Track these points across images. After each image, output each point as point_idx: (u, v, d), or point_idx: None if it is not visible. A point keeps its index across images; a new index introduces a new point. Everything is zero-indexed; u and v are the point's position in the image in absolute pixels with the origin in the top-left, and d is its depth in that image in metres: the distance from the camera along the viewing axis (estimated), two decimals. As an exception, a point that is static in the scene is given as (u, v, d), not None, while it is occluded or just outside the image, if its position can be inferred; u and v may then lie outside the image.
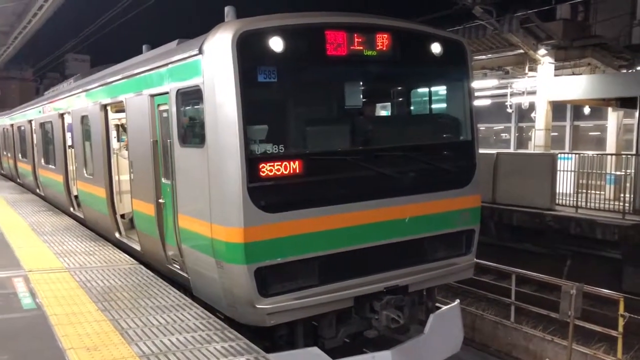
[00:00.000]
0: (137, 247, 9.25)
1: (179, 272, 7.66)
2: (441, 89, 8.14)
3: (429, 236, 7.41)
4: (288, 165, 6.27)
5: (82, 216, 12.51)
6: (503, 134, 27.47)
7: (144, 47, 10.16)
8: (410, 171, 7.30)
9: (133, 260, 9.00)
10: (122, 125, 12.09)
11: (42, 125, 15.88)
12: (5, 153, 24.32)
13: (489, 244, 15.51)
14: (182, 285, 7.76)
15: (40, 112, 16.22)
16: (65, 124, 13.39)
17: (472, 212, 7.83)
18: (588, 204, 15.31)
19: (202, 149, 6.49)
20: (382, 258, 7.01)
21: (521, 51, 19.22)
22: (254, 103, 6.19)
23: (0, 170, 26.37)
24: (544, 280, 11.37)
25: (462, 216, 7.68)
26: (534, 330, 10.90)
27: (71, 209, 13.49)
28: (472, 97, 7.88)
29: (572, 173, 16.23)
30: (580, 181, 16.14)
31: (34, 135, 17.33)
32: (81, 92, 11.67)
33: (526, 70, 19.80)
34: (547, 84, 18.90)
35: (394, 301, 6.94)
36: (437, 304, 8.17)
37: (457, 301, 8.16)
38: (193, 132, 6.92)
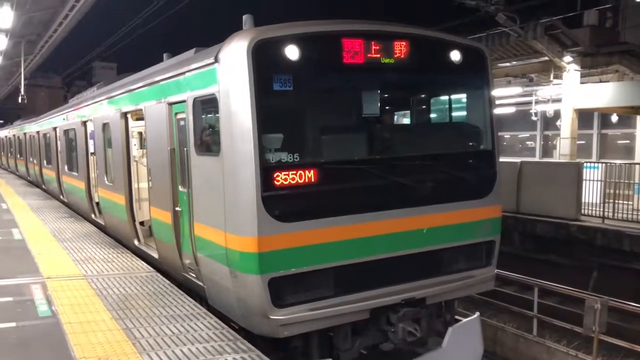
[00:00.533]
0: (155, 255, 9.26)
1: (195, 280, 7.63)
2: (460, 97, 8.00)
3: (447, 247, 7.24)
4: (303, 174, 6.18)
5: (102, 223, 12.61)
6: (528, 142, 27.05)
7: (164, 55, 10.21)
8: (428, 181, 7.16)
9: (150, 268, 9.01)
10: (143, 132, 12.19)
11: (65, 132, 16.10)
12: (31, 159, 24.74)
13: (512, 255, 15.22)
14: (198, 294, 7.72)
15: (64, 119, 16.46)
16: (88, 132, 13.55)
17: (493, 222, 7.65)
18: (615, 214, 14.90)
19: (217, 157, 6.46)
20: (400, 269, 6.87)
21: (546, 58, 18.89)
22: (269, 111, 6.13)
23: (27, 177, 26.82)
24: (568, 292, 11.07)
25: (482, 227, 7.50)
26: (557, 345, 10.60)
27: (92, 216, 13.62)
28: (492, 106, 7.71)
29: (599, 182, 15.84)
30: (608, 191, 15.74)
31: (58, 142, 17.59)
32: (103, 99, 11.79)
33: (551, 78, 19.44)
34: (573, 91, 18.53)
35: (411, 314, 6.79)
36: (457, 317, 7.97)
37: (477, 314, 7.95)
38: (209, 141, 6.90)
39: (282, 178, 6.09)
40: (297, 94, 6.41)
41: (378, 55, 6.70)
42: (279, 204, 6.10)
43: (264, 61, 6.04)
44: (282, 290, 6.18)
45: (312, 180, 6.23)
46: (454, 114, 7.95)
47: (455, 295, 7.56)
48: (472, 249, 7.53)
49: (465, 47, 7.43)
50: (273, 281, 6.10)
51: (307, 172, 6.20)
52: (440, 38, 7.37)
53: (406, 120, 7.85)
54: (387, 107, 7.48)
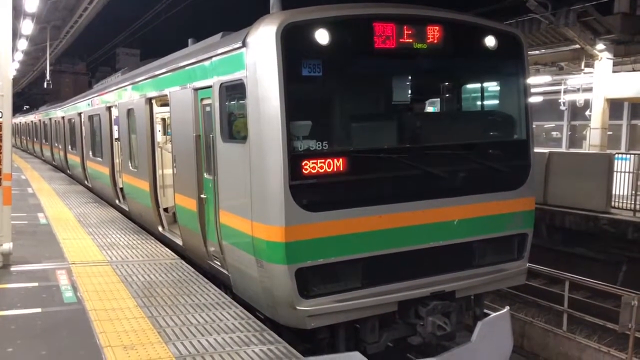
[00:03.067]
0: (179, 242, 9.20)
1: (220, 268, 7.55)
2: (495, 85, 7.74)
3: (478, 240, 7.04)
4: (332, 163, 6.02)
5: (126, 209, 12.62)
6: (553, 132, 26.50)
7: (189, 40, 10.10)
8: (460, 171, 6.96)
9: (174, 255, 8.96)
10: (167, 119, 12.13)
11: (90, 117, 16.14)
12: (56, 145, 24.97)
13: (539, 247, 14.89)
14: (222, 282, 7.64)
15: (89, 104, 16.49)
16: (112, 117, 13.54)
17: (526, 215, 7.41)
18: (647, 207, 14.46)
19: (244, 144, 6.32)
20: (429, 261, 6.70)
21: (577, 46, 18.35)
22: (298, 98, 5.97)
23: (52, 162, 27.11)
24: (600, 287, 10.77)
25: (514, 219, 7.28)
26: (588, 341, 10.32)
27: (116, 201, 13.65)
28: (528, 94, 7.44)
29: (630, 174, 15.39)
30: (638, 183, 15.28)
31: (83, 128, 17.66)
32: (127, 85, 11.74)
33: (582, 66, 18.90)
34: (605, 80, 17.99)
35: (441, 307, 6.61)
36: (486, 311, 7.77)
37: (507, 308, 7.74)
38: (235, 127, 6.76)
39: (310, 166, 5.93)
40: (326, 80, 6.24)
41: (410, 40, 6.48)
42: (306, 193, 5.95)
43: (293, 46, 5.87)
44: (309, 281, 6.06)
45: (341, 169, 6.07)
46: (488, 102, 7.69)
47: (486, 289, 7.35)
48: (504, 242, 7.32)
49: (501, 32, 7.16)
50: (300, 271, 5.97)
51: (335, 160, 6.04)
52: (475, 23, 7.11)
53: (438, 108, 7.59)
54: (418, 94, 7.24)
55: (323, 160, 5.98)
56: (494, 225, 7.12)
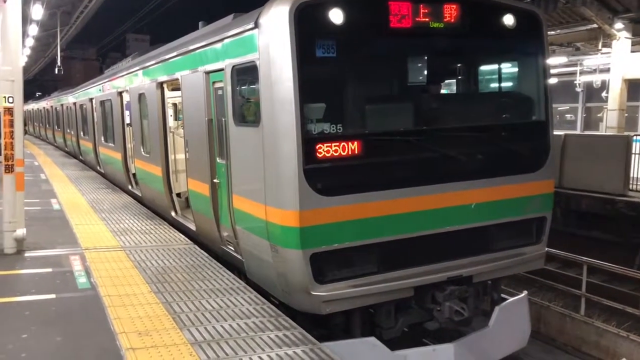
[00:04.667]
0: (192, 227, 9.16)
1: (233, 253, 7.49)
2: (514, 65, 7.55)
3: (496, 224, 6.91)
4: (346, 146, 5.90)
5: (139, 194, 12.61)
6: (567, 115, 26.12)
7: (200, 23, 9.96)
8: (478, 153, 6.82)
9: (188, 240, 8.92)
10: (178, 104, 12.04)
11: (102, 103, 16.10)
12: (68, 131, 25.02)
13: (554, 230, 14.67)
14: (236, 267, 7.59)
15: (100, 90, 16.45)
16: (124, 102, 13.47)
17: (544, 198, 7.26)
18: (665, 190, 14.21)
19: (257, 128, 6.21)
20: (446, 246, 6.59)
21: (594, 26, 17.97)
22: (312, 80, 5.84)
23: (64, 148, 27.21)
24: (618, 271, 10.59)
25: (533, 202, 7.13)
26: (606, 325, 10.17)
27: (129, 187, 13.64)
28: (547, 74, 7.24)
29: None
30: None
31: (95, 113, 17.64)
32: (138, 69, 11.64)
33: (599, 47, 18.52)
34: (623, 61, 17.62)
35: (458, 292, 6.51)
36: (503, 295, 7.66)
37: (525, 292, 7.63)
38: (248, 111, 6.65)
39: (324, 150, 5.82)
40: (340, 61, 6.09)
41: (427, 19, 6.30)
42: (321, 177, 5.84)
43: (306, 26, 5.73)
44: (324, 266, 5.98)
45: (356, 152, 5.95)
46: (506, 83, 7.53)
47: (504, 273, 7.24)
48: (522, 226, 7.19)
49: (520, 11, 6.96)
50: (315, 256, 5.89)
51: (350, 143, 5.92)
52: (493, 1, 6.91)
53: (456, 89, 7.42)
54: (435, 75, 7.06)
55: (337, 144, 5.86)
56: (513, 209, 6.98)
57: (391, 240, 6.22)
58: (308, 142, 5.75)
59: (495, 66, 7.44)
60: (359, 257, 6.14)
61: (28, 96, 44.83)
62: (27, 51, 30.56)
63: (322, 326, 6.53)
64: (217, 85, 7.45)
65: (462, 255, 6.70)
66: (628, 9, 17.17)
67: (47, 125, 35.44)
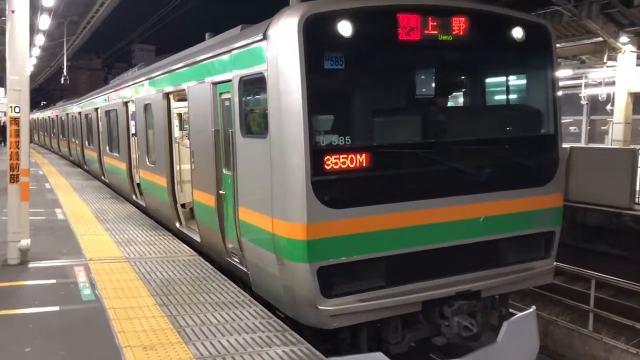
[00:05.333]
0: (197, 238, 9.10)
1: (238, 266, 7.42)
2: (522, 78, 7.50)
3: (505, 238, 6.83)
4: (355, 158, 5.85)
5: (143, 204, 12.56)
6: (571, 127, 26.04)
7: (206, 35, 9.96)
8: (486, 166, 6.76)
9: (192, 251, 8.86)
10: (183, 114, 12.03)
11: (107, 113, 16.12)
12: (73, 140, 25.06)
13: (560, 243, 14.59)
14: (240, 279, 7.51)
15: (105, 100, 16.47)
16: (129, 112, 13.47)
17: (553, 212, 7.19)
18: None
19: (264, 139, 6.17)
20: (454, 260, 6.50)
21: (599, 39, 17.98)
22: (320, 91, 5.80)
23: (69, 157, 27.24)
24: (628, 286, 10.47)
25: (542, 216, 7.05)
26: (615, 341, 10.05)
27: (133, 197, 13.60)
28: (556, 87, 7.19)
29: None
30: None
31: (100, 123, 17.65)
32: (144, 80, 11.64)
33: (604, 60, 18.50)
34: (629, 74, 17.60)
35: (467, 307, 6.42)
36: (511, 310, 7.56)
37: (533, 307, 7.53)
38: (255, 122, 6.61)
39: (332, 162, 5.76)
40: (349, 73, 6.05)
41: (435, 32, 6.27)
42: (329, 190, 5.79)
43: (315, 38, 5.70)
44: (331, 280, 5.90)
45: (364, 164, 5.89)
46: (515, 95, 7.48)
47: (512, 288, 7.15)
48: (531, 240, 7.11)
49: (528, 23, 6.92)
50: (322, 270, 5.82)
51: (358, 156, 5.86)
52: (502, 14, 6.88)
53: (465, 102, 7.38)
54: (443, 88, 7.01)
55: (346, 156, 5.81)
56: (521, 223, 6.91)
57: (399, 254, 6.15)
58: (316, 154, 5.70)
59: (504, 79, 7.39)
60: (367, 271, 6.07)
61: (33, 105, 44.97)
62: (33, 60, 30.71)
63: (329, 340, 6.45)
64: (225, 96, 7.42)
65: (470, 269, 6.62)
66: (633, 23, 17.17)
67: (52, 135, 35.52)
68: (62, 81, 29.44)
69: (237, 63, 6.90)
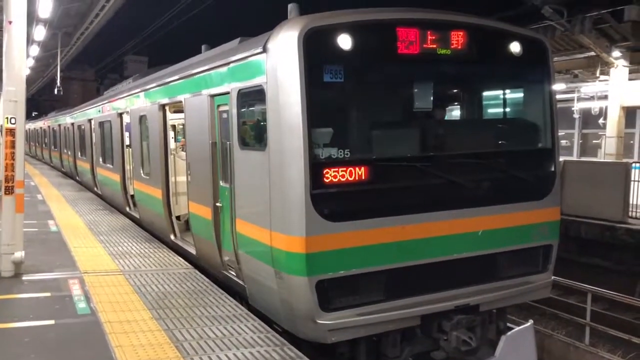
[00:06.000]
0: (192, 251, 9.03)
1: (235, 279, 7.36)
2: (520, 92, 7.55)
3: (503, 251, 6.83)
4: (354, 172, 5.84)
5: (137, 216, 12.47)
6: (563, 141, 26.21)
7: (203, 47, 9.96)
8: (484, 180, 6.77)
9: (188, 264, 8.79)
10: (177, 125, 12.01)
11: (101, 124, 16.05)
12: (65, 151, 24.91)
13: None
14: (237, 293, 7.45)
15: (99, 111, 16.40)
16: (124, 124, 13.42)
17: (551, 225, 7.20)
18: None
19: (263, 152, 6.15)
20: (453, 274, 6.49)
21: (592, 54, 18.15)
22: (320, 104, 5.80)
23: (61, 168, 27.06)
24: (623, 299, 10.47)
25: (539, 230, 7.06)
26: (612, 355, 10.03)
27: (127, 209, 13.50)
28: (553, 101, 7.24)
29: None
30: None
31: (93, 134, 17.57)
32: (140, 91, 11.61)
33: (597, 74, 18.67)
34: (621, 88, 17.76)
35: (466, 321, 6.39)
36: (509, 324, 7.53)
37: (531, 322, 7.50)
38: (254, 134, 6.60)
39: (332, 175, 5.75)
40: (348, 86, 6.08)
41: (434, 46, 6.30)
42: (328, 203, 5.77)
43: (315, 51, 5.71)
44: (330, 294, 5.86)
45: (363, 177, 5.89)
46: (513, 109, 7.52)
47: (511, 302, 7.13)
48: (529, 254, 7.11)
49: (526, 38, 6.98)
50: (321, 284, 5.78)
51: (357, 169, 5.85)
52: (500, 28, 6.93)
53: (463, 116, 7.40)
54: (442, 101, 7.05)
55: (345, 169, 5.80)
56: (519, 237, 6.91)
57: (398, 268, 6.13)
58: (315, 167, 5.69)
59: (502, 93, 7.44)
60: (365, 285, 6.03)
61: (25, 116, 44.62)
62: (27, 71, 30.54)
63: (327, 354, 6.39)
64: (222, 108, 7.41)
65: (469, 283, 6.61)
66: (625, 38, 17.36)
67: (44, 145, 35.31)
68: (56, 92, 29.30)
69: (235, 75, 6.89)
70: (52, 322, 5.94)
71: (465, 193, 6.55)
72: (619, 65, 17.63)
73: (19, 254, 7.68)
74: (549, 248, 7.25)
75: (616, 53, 17.45)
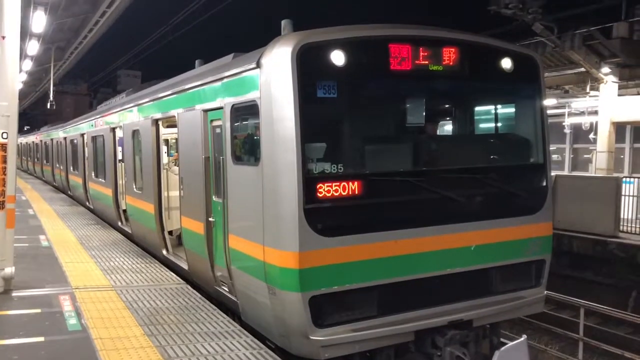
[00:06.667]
0: (184, 266, 8.98)
1: (227, 294, 7.32)
2: (512, 108, 7.60)
3: (496, 266, 6.84)
4: (347, 186, 5.85)
5: (129, 231, 12.40)
6: (554, 156, 26.39)
7: (196, 62, 10.00)
8: (477, 195, 6.79)
9: (180, 279, 8.73)
10: (169, 140, 11.99)
11: (93, 138, 16.01)
12: (57, 165, 24.80)
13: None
14: (229, 309, 7.40)
15: (92, 125, 16.37)
16: (116, 138, 13.39)
17: (543, 240, 7.22)
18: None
19: (256, 166, 6.15)
20: (446, 289, 6.48)
21: (582, 69, 18.35)
22: (313, 119, 5.83)
23: (52, 183, 26.92)
24: (618, 315, 10.49)
25: (532, 245, 7.08)
26: (604, 370, 10.06)
27: (119, 223, 13.43)
28: (545, 117, 7.30)
29: (635, 198, 15.26)
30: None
31: (86, 149, 17.51)
32: (133, 106, 11.61)
33: (587, 90, 18.87)
34: (611, 103, 17.95)
35: (459, 337, 6.37)
36: (502, 340, 7.52)
37: (524, 337, 7.49)
38: (247, 149, 6.61)
39: (325, 190, 5.76)
40: (341, 102, 6.11)
41: (426, 62, 6.36)
42: (321, 217, 5.77)
43: (308, 67, 5.74)
44: (323, 309, 5.83)
45: (357, 192, 5.90)
46: (505, 125, 7.57)
47: (504, 317, 7.12)
48: (522, 268, 7.12)
49: (517, 54, 7.05)
50: (314, 299, 5.75)
51: (351, 184, 5.86)
52: (492, 45, 7.00)
53: (455, 131, 7.45)
54: (434, 117, 7.11)
55: (338, 184, 5.81)
56: (512, 251, 6.92)
57: (392, 283, 6.12)
58: (308, 182, 5.69)
59: (494, 109, 7.49)
60: (359, 300, 6.01)
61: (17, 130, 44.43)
62: (20, 86, 30.53)
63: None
64: (216, 123, 7.42)
65: (462, 298, 6.60)
66: (614, 54, 17.58)
67: (36, 160, 35.14)
68: (49, 106, 29.25)
69: (229, 90, 6.91)
70: (42, 339, 5.86)
71: (458, 208, 6.56)
72: (609, 81, 17.82)
73: (9, 270, 7.61)
74: (541, 263, 7.27)
75: (605, 69, 17.65)
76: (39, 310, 6.82)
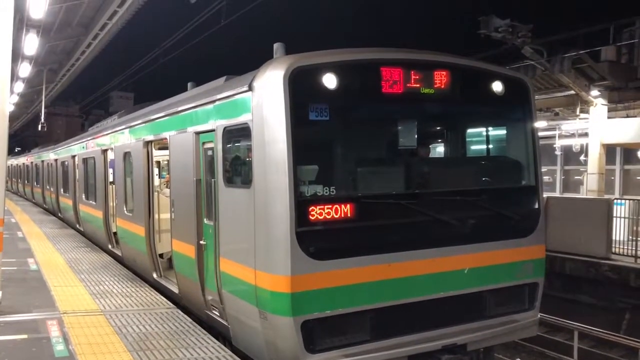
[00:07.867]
0: (175, 290, 8.87)
1: (218, 319, 7.22)
2: (503, 130, 7.65)
3: (489, 289, 6.80)
4: (339, 209, 5.82)
5: (120, 254, 12.27)
6: (545, 177, 26.52)
7: (189, 84, 10.01)
8: (469, 218, 6.77)
9: (170, 303, 8.61)
10: (162, 162, 11.96)
11: (84, 160, 15.93)
12: (48, 187, 24.63)
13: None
14: (220, 333, 7.30)
15: (83, 147, 16.30)
16: (108, 160, 13.32)
17: (536, 263, 7.21)
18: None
19: (248, 189, 6.12)
20: (439, 312, 6.43)
21: (572, 92, 18.54)
22: (305, 142, 5.82)
23: (43, 205, 26.71)
24: (611, 338, 10.43)
25: (525, 268, 7.06)
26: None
27: (109, 246, 13.29)
28: (536, 139, 7.33)
29: (628, 220, 15.30)
30: (635, 228, 15.14)
31: (77, 171, 17.41)
32: (124, 128, 11.58)
33: (577, 112, 19.05)
34: (601, 126, 18.12)
35: (453, 361, 6.30)
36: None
37: (518, 361, 7.45)
38: (239, 172, 6.58)
39: (317, 213, 5.73)
40: (333, 124, 6.12)
41: (418, 85, 6.39)
42: (313, 241, 5.72)
43: (300, 90, 5.76)
44: (315, 334, 5.76)
45: (349, 215, 5.87)
46: (496, 147, 7.60)
47: (498, 341, 7.06)
48: (515, 292, 7.08)
49: (508, 77, 7.12)
50: (306, 324, 5.69)
51: (343, 206, 5.84)
52: (482, 68, 7.06)
53: (447, 154, 7.47)
54: (426, 140, 7.13)
55: (330, 206, 5.78)
56: (505, 274, 6.90)
57: (385, 307, 6.06)
58: (300, 204, 5.66)
59: (485, 131, 7.53)
60: (352, 324, 5.95)
61: (7, 151, 44.26)
62: (11, 107, 30.48)
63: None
64: (207, 145, 7.39)
65: (455, 322, 6.55)
66: (603, 77, 17.80)
67: (26, 182, 34.91)
68: (40, 128, 29.17)
69: (221, 113, 6.90)
70: (28, 366, 5.75)
71: (451, 231, 6.54)
72: (598, 103, 18.01)
73: (-4, 294, 7.48)
74: (534, 286, 7.24)
75: (595, 92, 17.85)
76: (25, 336, 6.68)
